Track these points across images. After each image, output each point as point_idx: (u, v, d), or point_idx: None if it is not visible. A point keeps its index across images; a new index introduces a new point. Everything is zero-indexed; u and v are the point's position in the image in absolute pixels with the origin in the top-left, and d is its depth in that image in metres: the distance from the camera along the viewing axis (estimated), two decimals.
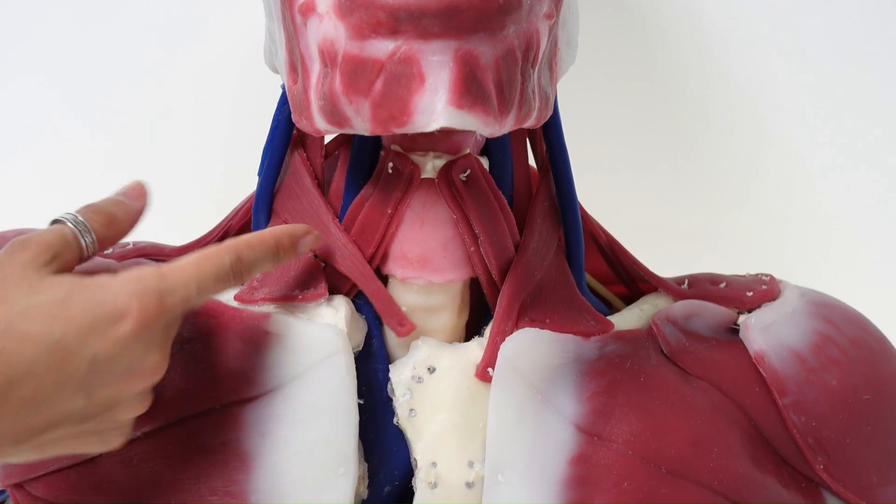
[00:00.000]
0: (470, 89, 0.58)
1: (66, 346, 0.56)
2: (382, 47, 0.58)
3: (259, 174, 0.74)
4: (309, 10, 0.62)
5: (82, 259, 0.62)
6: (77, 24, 1.08)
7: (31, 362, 0.55)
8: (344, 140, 0.73)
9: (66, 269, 0.61)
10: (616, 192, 1.07)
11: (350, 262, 0.69)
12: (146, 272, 0.59)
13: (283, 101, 0.73)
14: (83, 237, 0.62)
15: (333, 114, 0.61)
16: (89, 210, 0.63)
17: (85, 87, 1.09)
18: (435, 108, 0.58)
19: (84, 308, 0.57)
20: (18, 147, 1.12)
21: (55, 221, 0.62)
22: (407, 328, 0.69)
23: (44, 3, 1.08)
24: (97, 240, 0.63)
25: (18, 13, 1.08)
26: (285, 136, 0.73)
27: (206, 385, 0.68)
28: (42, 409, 0.56)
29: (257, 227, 0.74)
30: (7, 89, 1.10)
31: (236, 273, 0.62)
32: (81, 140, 1.11)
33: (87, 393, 0.57)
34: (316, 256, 0.70)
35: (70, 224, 0.62)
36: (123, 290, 0.58)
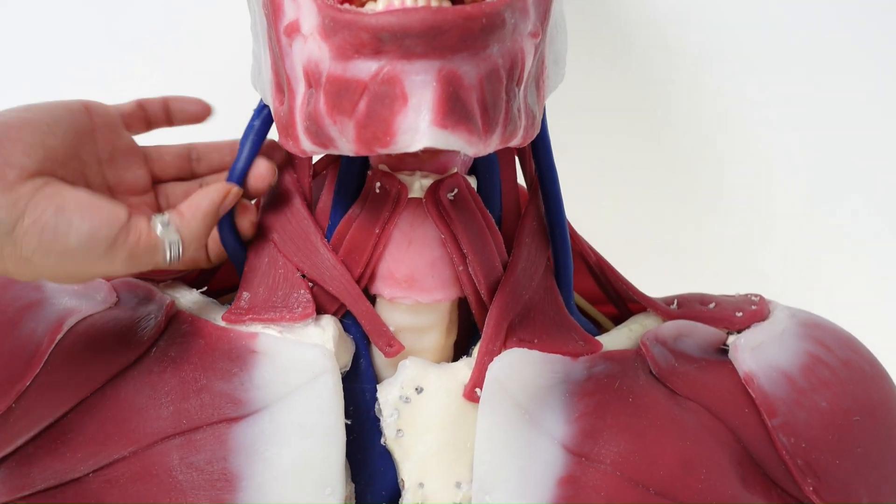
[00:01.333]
0: (454, 109, 0.58)
1: None
2: (366, 68, 0.58)
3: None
4: (294, 30, 0.62)
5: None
6: (78, 27, 1.08)
7: None
8: (332, 160, 0.73)
9: None
10: (606, 211, 1.07)
11: (338, 282, 0.69)
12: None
13: (258, 111, 0.73)
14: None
15: (318, 135, 0.61)
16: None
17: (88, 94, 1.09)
18: (418, 127, 0.58)
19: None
20: None
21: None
22: (395, 349, 0.68)
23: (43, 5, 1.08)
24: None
25: (18, 16, 1.08)
26: (256, 144, 0.72)
27: (194, 404, 0.68)
28: None
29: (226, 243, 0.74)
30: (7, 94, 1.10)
31: None
32: None
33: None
34: (304, 276, 0.70)
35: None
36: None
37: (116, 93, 1.06)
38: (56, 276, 0.64)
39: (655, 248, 1.09)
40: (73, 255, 0.62)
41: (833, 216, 1.10)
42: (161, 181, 0.74)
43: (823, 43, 1.07)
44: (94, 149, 0.69)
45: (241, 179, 0.71)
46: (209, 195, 0.69)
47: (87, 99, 0.70)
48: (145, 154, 0.73)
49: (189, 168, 0.74)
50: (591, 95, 1.06)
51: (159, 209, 0.73)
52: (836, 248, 1.11)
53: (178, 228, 0.66)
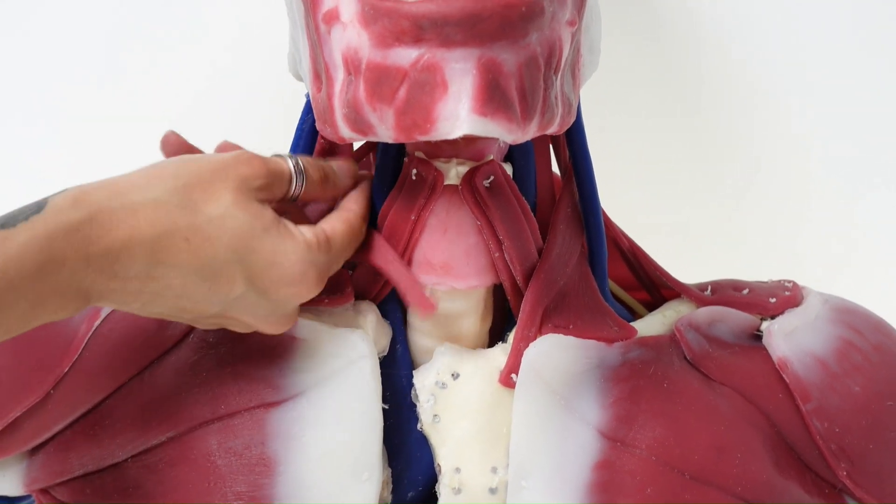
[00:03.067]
0: (493, 97, 0.58)
1: (232, 274, 0.60)
2: (406, 55, 0.59)
3: None
4: (333, 18, 0.62)
5: (284, 200, 0.65)
6: (81, 27, 1.08)
7: (199, 266, 0.59)
8: (371, 146, 0.73)
9: (269, 200, 0.63)
10: (639, 198, 1.07)
11: (374, 249, 0.69)
12: (318, 241, 0.63)
13: (307, 110, 0.73)
14: (295, 180, 0.65)
15: (357, 121, 0.62)
16: (310, 160, 0.67)
17: (89, 93, 1.10)
18: (458, 115, 0.58)
19: (269, 254, 0.61)
20: (13, 153, 1.12)
21: (277, 156, 0.65)
22: (430, 309, 0.67)
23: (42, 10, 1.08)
24: (305, 190, 0.66)
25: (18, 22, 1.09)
26: (310, 145, 0.73)
27: (232, 389, 0.68)
28: (178, 302, 0.60)
29: None
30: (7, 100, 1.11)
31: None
32: (83, 147, 1.11)
33: (223, 308, 0.62)
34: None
35: (290, 162, 0.65)
36: (301, 259, 0.62)
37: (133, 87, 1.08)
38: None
39: (689, 234, 1.09)
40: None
41: (866, 201, 1.10)
42: None
43: (860, 27, 1.06)
44: None
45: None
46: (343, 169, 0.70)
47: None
48: None
49: None
50: (624, 81, 1.06)
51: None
52: (870, 232, 1.10)
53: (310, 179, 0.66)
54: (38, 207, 0.56)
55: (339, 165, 0.69)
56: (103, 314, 0.70)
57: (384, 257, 0.68)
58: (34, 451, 0.73)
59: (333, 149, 0.72)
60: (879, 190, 1.10)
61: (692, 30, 1.06)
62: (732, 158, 1.09)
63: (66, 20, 1.09)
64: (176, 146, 0.70)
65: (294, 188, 0.65)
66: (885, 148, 1.09)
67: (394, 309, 0.70)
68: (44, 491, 0.72)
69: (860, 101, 1.08)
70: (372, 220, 0.70)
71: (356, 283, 0.70)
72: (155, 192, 0.59)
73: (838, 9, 1.06)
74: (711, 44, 1.06)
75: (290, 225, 0.63)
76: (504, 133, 0.59)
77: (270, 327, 0.65)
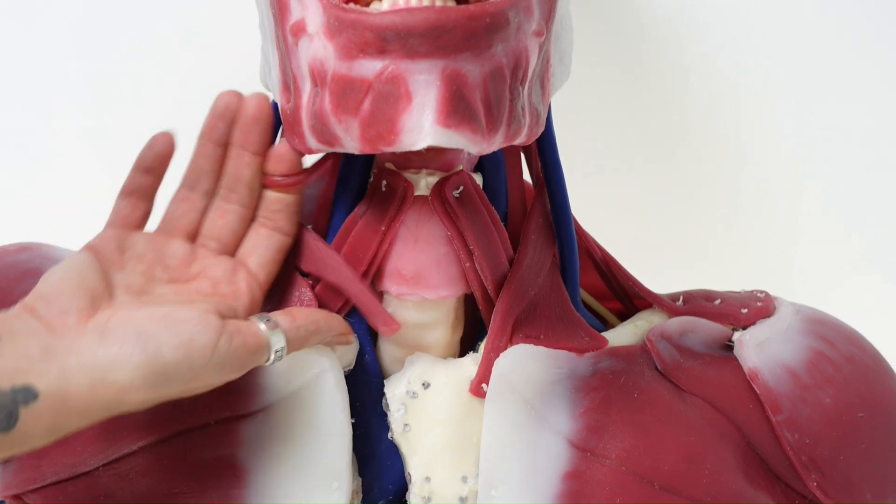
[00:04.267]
0: (457, 108, 0.58)
1: None
2: (370, 67, 0.59)
3: None
4: (300, 30, 0.62)
5: None
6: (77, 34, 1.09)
7: None
8: (336, 156, 0.73)
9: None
10: (611, 207, 1.07)
11: (333, 268, 0.68)
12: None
13: (277, 122, 0.73)
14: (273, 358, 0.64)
15: (324, 133, 0.62)
16: (295, 326, 0.65)
17: (87, 100, 1.10)
18: (422, 126, 0.58)
19: None
20: (14, 160, 1.13)
21: (262, 324, 0.63)
22: (392, 327, 0.68)
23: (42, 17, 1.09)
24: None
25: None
26: None
27: (203, 400, 0.68)
28: None
29: None
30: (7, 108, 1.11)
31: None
32: (74, 153, 1.12)
33: None
34: (305, 275, 0.70)
35: (272, 351, 0.64)
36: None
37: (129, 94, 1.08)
38: (171, 395, 0.60)
39: (661, 245, 1.09)
40: (176, 371, 0.58)
41: (840, 215, 1.10)
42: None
43: (846, 43, 1.06)
44: (128, 270, 0.66)
45: None
46: (331, 323, 0.67)
47: (82, 243, 0.66)
48: (169, 226, 0.70)
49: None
50: (600, 91, 1.06)
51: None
52: (844, 247, 1.11)
53: (287, 332, 0.64)
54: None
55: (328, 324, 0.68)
56: None
57: (343, 277, 0.68)
58: (7, 458, 0.73)
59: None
60: (855, 202, 1.10)
61: (666, 41, 1.06)
62: (707, 168, 1.09)
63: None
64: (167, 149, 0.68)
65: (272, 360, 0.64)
66: (875, 164, 1.09)
67: (359, 321, 0.70)
68: (17, 497, 0.72)
69: (837, 111, 1.08)
70: (331, 234, 0.70)
71: (319, 298, 0.70)
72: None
73: (832, 28, 1.06)
74: (689, 54, 1.06)
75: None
76: (469, 144, 0.59)
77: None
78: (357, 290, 0.68)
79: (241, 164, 0.68)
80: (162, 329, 0.59)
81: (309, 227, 0.71)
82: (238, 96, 0.68)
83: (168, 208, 0.69)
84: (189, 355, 0.59)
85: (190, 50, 1.07)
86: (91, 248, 0.65)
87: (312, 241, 0.70)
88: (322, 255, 0.69)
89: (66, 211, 1.05)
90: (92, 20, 1.08)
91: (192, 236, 0.69)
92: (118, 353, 0.57)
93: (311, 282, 0.70)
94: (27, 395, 0.55)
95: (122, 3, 1.07)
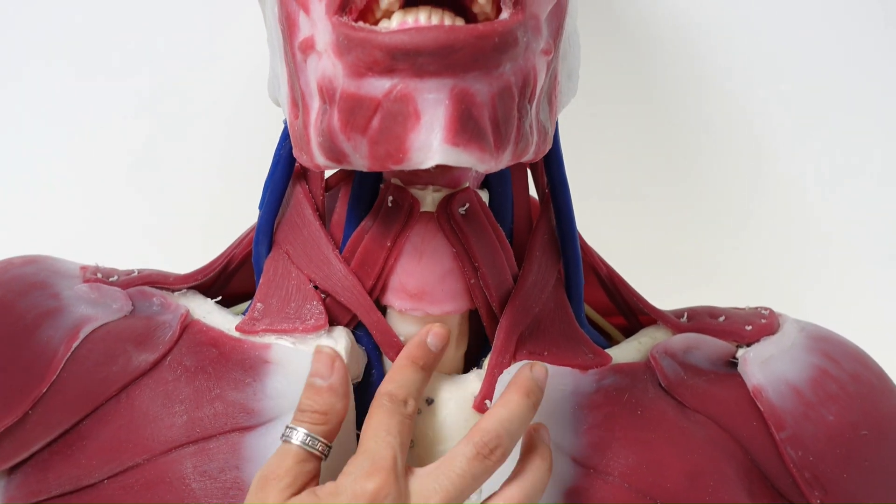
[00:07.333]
0: (465, 127, 0.58)
1: None
2: (379, 85, 0.59)
3: (260, 207, 0.74)
4: (308, 47, 0.62)
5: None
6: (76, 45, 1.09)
7: None
8: (345, 174, 0.73)
9: (311, 478, 0.63)
10: (617, 223, 1.07)
11: (350, 293, 0.69)
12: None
13: (285, 136, 0.73)
14: (314, 447, 0.63)
15: (332, 150, 0.62)
16: (303, 415, 0.64)
17: (84, 114, 1.10)
18: (431, 145, 0.58)
19: None
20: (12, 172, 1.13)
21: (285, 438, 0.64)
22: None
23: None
24: (324, 437, 0.64)
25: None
26: (287, 171, 0.73)
27: (208, 413, 0.68)
28: None
29: (258, 259, 0.74)
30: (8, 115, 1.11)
31: None
32: (79, 166, 1.11)
33: None
34: (317, 288, 0.70)
35: (296, 443, 0.63)
36: None
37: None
38: None
39: (666, 261, 1.09)
40: None
41: (846, 231, 1.10)
42: None
43: (867, 63, 1.06)
44: None
45: (269, 214, 0.73)
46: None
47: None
48: None
49: None
50: (607, 107, 1.06)
51: None
52: (848, 264, 1.11)
53: (324, 434, 0.64)
54: None
55: (317, 373, 0.66)
56: (81, 336, 0.71)
57: (360, 306, 0.69)
58: (12, 470, 0.73)
59: (307, 173, 0.73)
60: (861, 218, 1.10)
61: (671, 56, 1.06)
62: (712, 184, 1.09)
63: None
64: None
65: (320, 451, 0.64)
66: (870, 176, 1.09)
67: (366, 335, 0.70)
68: None
69: (844, 125, 1.08)
70: (344, 244, 0.71)
71: (329, 309, 0.70)
72: None
73: (850, 48, 1.06)
74: (693, 69, 1.06)
75: None
76: (477, 163, 0.59)
77: None
78: (373, 321, 0.69)
79: None
80: None
81: (330, 245, 0.71)
82: None
83: None
84: None
85: (197, 62, 1.07)
86: None
87: (334, 260, 0.70)
88: (339, 278, 0.69)
89: (72, 224, 1.05)
90: (101, 35, 1.07)
91: None
92: None
93: (323, 295, 0.70)
94: None
95: (121, 7, 1.07)
